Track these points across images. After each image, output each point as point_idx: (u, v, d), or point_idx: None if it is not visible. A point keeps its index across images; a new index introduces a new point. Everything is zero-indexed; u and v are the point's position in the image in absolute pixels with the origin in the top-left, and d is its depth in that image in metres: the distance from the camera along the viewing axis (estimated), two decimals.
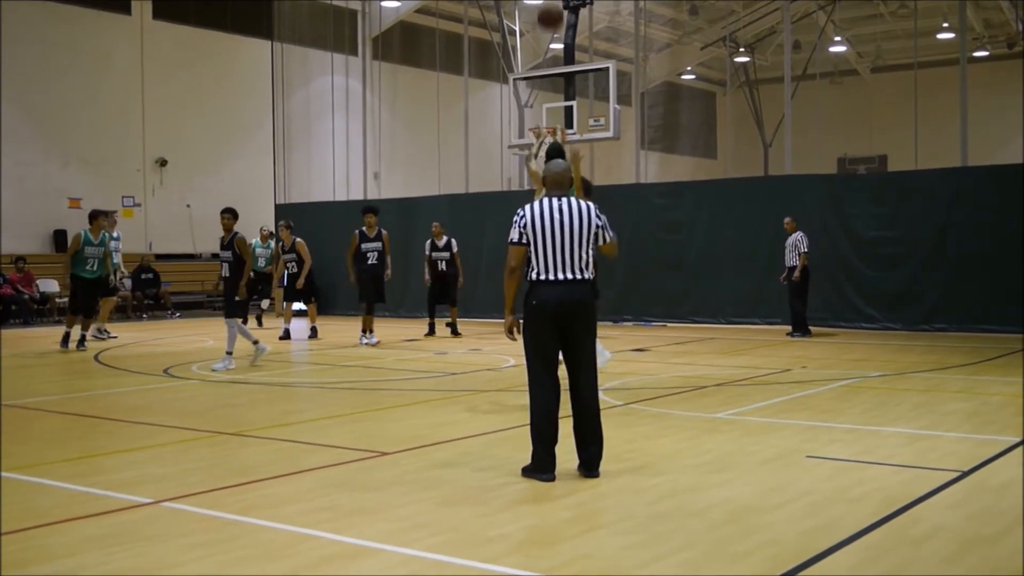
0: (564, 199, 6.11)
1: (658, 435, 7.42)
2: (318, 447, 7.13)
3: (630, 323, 18.67)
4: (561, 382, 6.11)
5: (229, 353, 12.12)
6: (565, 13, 13.65)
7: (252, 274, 13.28)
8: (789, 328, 16.02)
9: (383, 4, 28.08)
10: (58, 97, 22.88)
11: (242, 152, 26.44)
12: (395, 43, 28.94)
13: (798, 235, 15.62)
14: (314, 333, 16.80)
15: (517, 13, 25.52)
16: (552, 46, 26.65)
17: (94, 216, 14.78)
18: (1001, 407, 8.69)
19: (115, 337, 16.62)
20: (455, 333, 16.53)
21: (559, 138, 6.85)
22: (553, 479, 5.93)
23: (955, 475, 5.98)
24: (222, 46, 26.25)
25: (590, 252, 6.11)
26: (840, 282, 16.88)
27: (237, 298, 12.21)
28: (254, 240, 16.52)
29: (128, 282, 22.73)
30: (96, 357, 13.78)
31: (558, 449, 6.04)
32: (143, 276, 22.71)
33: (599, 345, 7.47)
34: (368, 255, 15.31)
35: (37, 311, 21.07)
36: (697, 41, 34.47)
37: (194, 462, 6.70)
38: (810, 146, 24.46)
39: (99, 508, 5.43)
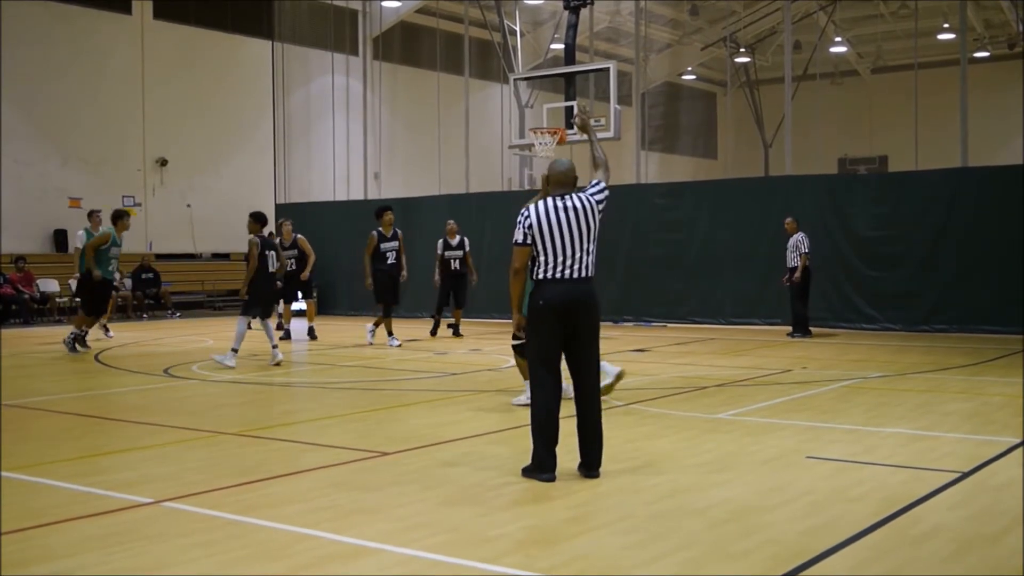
0: (567, 198, 6.11)
1: (658, 435, 7.42)
2: (318, 447, 7.13)
3: (630, 323, 18.67)
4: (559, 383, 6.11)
5: (275, 346, 12.74)
6: None
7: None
8: (789, 328, 16.02)
9: (383, 4, 28.09)
10: (58, 97, 22.89)
11: (242, 152, 26.45)
12: (395, 43, 28.95)
13: (799, 236, 15.62)
14: (312, 334, 16.58)
15: (517, 13, 25.53)
16: (552, 46, 26.68)
17: (118, 216, 14.40)
18: (1001, 408, 8.69)
19: (111, 336, 16.58)
20: (457, 334, 16.48)
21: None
22: (553, 479, 5.93)
23: (955, 475, 5.97)
24: (222, 46, 26.27)
25: (594, 251, 6.11)
26: (840, 282, 16.88)
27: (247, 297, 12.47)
28: (277, 240, 15.85)
29: (128, 281, 22.74)
30: (96, 357, 13.77)
31: (558, 449, 6.04)
32: (143, 276, 22.71)
33: (605, 364, 7.44)
34: (387, 255, 15.07)
35: (37, 311, 21.07)
36: (697, 41, 34.48)
37: (194, 462, 6.70)
38: (810, 146, 24.46)
39: (99, 508, 5.43)
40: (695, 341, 15.50)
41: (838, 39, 33.12)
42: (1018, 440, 7.03)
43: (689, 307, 18.47)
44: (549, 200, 6.13)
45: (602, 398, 7.67)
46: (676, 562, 4.43)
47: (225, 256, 26.38)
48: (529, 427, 6.13)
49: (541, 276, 6.05)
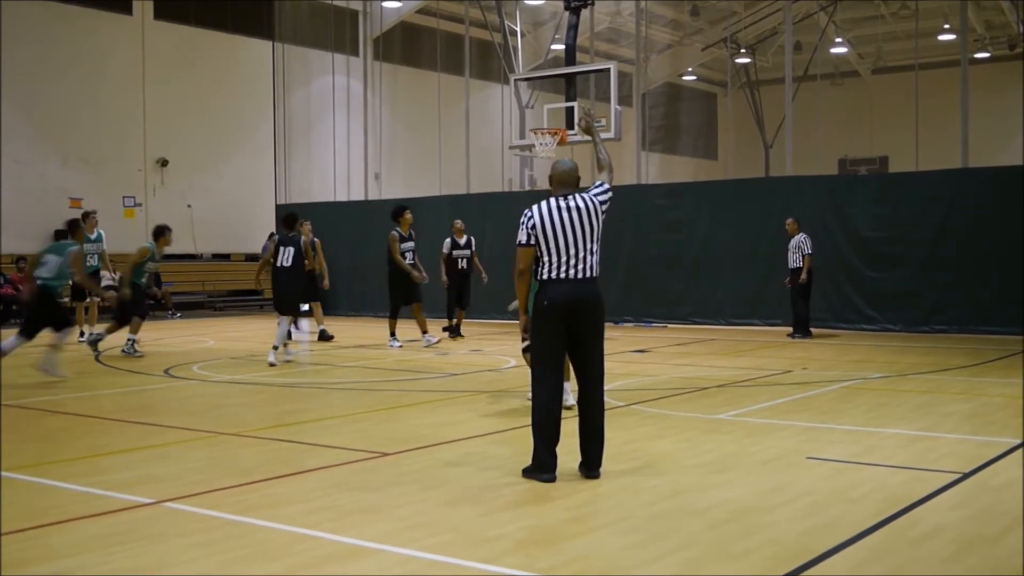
0: (571, 198, 6.11)
1: (659, 435, 7.42)
2: (318, 447, 7.13)
3: (630, 324, 18.67)
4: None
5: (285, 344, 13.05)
6: None
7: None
8: (790, 329, 16.02)
9: (384, 4, 28.09)
10: (59, 97, 22.89)
11: (243, 152, 26.45)
12: (396, 43, 28.95)
13: (801, 237, 15.61)
14: (324, 335, 16.27)
15: (518, 14, 25.54)
16: (553, 47, 26.69)
17: (160, 232, 14.04)
18: (1001, 408, 8.69)
19: (102, 338, 16.22)
20: (457, 335, 16.38)
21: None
22: (553, 479, 5.93)
23: (955, 476, 5.97)
24: (223, 46, 26.27)
25: (597, 251, 6.11)
26: (840, 283, 16.88)
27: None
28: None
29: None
30: (97, 357, 13.78)
31: (559, 449, 6.04)
32: None
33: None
34: (406, 255, 14.96)
35: None
36: (698, 42, 34.48)
37: (194, 462, 6.70)
38: (811, 147, 24.48)
39: (99, 508, 5.43)
40: (695, 342, 15.50)
41: (839, 40, 33.13)
42: (1018, 441, 7.03)
43: (689, 308, 18.47)
44: (552, 200, 6.12)
45: (571, 403, 7.70)
46: (676, 562, 4.43)
47: (226, 257, 26.40)
48: (530, 427, 6.13)
49: (545, 276, 6.05)
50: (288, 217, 13.78)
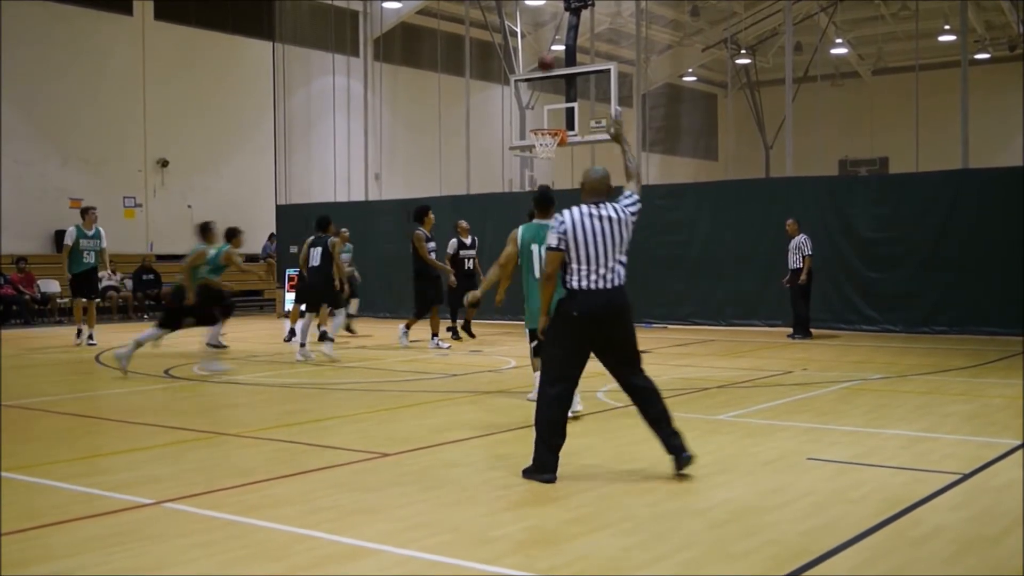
0: (602, 206, 6.08)
1: None
2: (319, 448, 7.13)
3: None
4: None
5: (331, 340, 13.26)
6: (553, 58, 14.40)
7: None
8: (790, 330, 16.01)
9: (384, 5, 28.10)
10: (59, 97, 22.89)
11: (243, 153, 26.45)
12: (396, 44, 28.96)
13: (801, 237, 15.61)
14: (324, 336, 16.14)
15: (518, 14, 25.53)
16: (553, 47, 26.67)
17: (233, 234, 13.29)
18: (1002, 409, 8.69)
19: (94, 344, 15.63)
20: (456, 337, 16.21)
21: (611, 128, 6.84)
22: (554, 480, 5.93)
23: (955, 477, 5.97)
24: (223, 47, 26.28)
25: (625, 261, 6.09)
26: (841, 283, 16.86)
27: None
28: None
29: (129, 282, 22.76)
30: (97, 358, 13.78)
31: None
32: (144, 277, 22.71)
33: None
34: (432, 253, 14.95)
35: (38, 311, 21.08)
36: (698, 43, 34.49)
37: (194, 463, 6.70)
38: (811, 148, 24.47)
39: (99, 508, 5.43)
40: (695, 342, 15.50)
41: (839, 40, 33.13)
42: (1019, 442, 7.03)
43: (689, 308, 18.46)
44: (584, 207, 6.07)
45: (579, 409, 7.69)
46: (677, 563, 4.42)
47: None
48: (530, 428, 6.12)
49: (575, 285, 5.98)
50: (321, 220, 14.30)
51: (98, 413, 9.15)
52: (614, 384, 6.34)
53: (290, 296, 21.04)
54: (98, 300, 16.74)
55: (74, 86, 23.13)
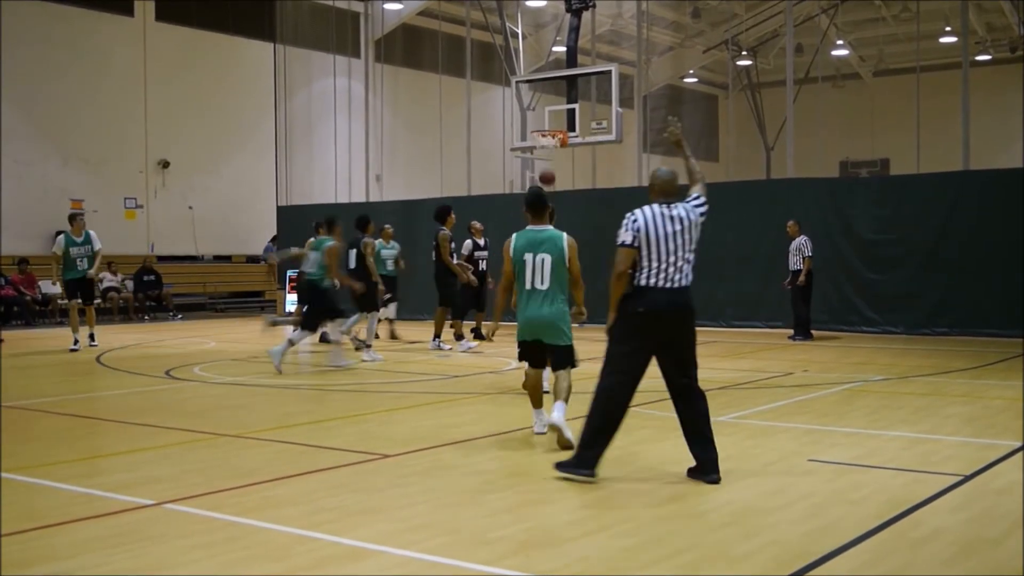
0: (673, 207, 6.07)
1: (660, 438, 7.41)
2: (319, 449, 7.13)
3: None
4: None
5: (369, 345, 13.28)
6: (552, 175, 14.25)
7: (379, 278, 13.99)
8: (791, 331, 16.01)
9: (385, 6, 28.11)
10: (59, 97, 22.91)
11: (244, 153, 26.47)
12: (397, 45, 28.96)
13: (802, 239, 15.61)
14: (324, 338, 16.01)
15: (519, 16, 25.54)
16: (554, 49, 26.69)
17: (333, 222, 12.81)
18: (1002, 411, 8.68)
19: (78, 348, 15.10)
20: (479, 337, 15.96)
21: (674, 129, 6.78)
22: (593, 476, 5.89)
23: (956, 479, 5.97)
24: (224, 48, 26.29)
25: (692, 260, 6.07)
26: (841, 285, 16.86)
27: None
28: (378, 241, 15.02)
29: (130, 283, 22.76)
30: (98, 359, 13.78)
31: (555, 453, 6.03)
32: (145, 278, 22.73)
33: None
34: (453, 255, 14.88)
35: (39, 312, 21.08)
36: (699, 44, 34.49)
37: (195, 464, 6.70)
38: (812, 149, 24.46)
39: (100, 509, 5.43)
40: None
41: (840, 42, 33.13)
42: (1019, 443, 7.03)
43: None
44: (656, 207, 6.06)
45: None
46: (677, 564, 4.42)
47: (227, 258, 26.40)
48: (530, 428, 6.11)
49: (644, 283, 5.97)
50: (360, 220, 14.16)
51: (98, 414, 9.15)
52: None
53: (291, 297, 21.09)
54: (98, 301, 16.68)
55: (75, 87, 23.14)
